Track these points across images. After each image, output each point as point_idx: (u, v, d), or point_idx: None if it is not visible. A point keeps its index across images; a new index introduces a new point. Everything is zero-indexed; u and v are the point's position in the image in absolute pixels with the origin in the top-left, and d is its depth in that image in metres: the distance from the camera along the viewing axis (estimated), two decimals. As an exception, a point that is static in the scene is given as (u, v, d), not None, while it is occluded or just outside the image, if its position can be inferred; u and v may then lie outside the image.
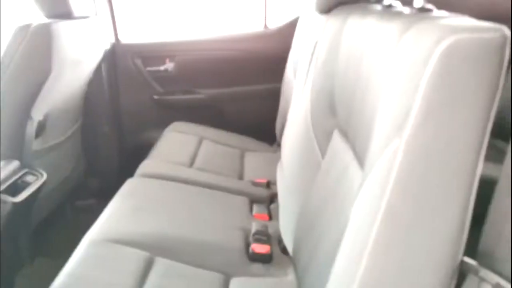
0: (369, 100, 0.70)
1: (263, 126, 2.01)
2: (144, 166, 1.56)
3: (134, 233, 1.14)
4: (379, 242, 0.55)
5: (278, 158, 1.70)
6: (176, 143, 1.77)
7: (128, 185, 1.40)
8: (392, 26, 0.65)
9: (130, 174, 1.52)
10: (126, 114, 2.10)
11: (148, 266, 1.04)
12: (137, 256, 1.05)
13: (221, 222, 1.26)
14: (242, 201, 1.42)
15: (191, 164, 1.63)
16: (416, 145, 0.52)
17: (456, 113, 0.50)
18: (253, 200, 1.45)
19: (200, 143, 1.81)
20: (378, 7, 0.89)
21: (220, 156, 1.74)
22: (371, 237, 0.55)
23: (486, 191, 0.56)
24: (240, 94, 2.13)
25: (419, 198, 0.53)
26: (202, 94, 2.12)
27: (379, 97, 0.63)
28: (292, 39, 1.91)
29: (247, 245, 1.17)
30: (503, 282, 0.54)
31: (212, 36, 2.13)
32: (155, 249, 1.09)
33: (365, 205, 0.59)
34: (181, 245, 1.13)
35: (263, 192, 1.51)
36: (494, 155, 0.59)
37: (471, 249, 0.58)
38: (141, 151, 1.76)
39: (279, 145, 1.92)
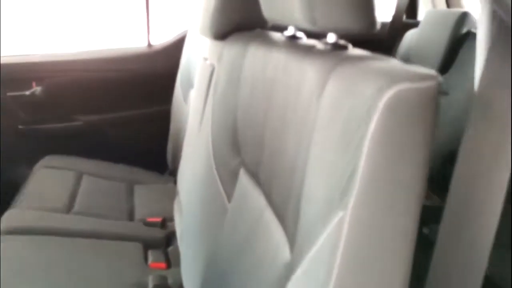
0: (287, 149, 0.62)
1: (152, 153, 1.83)
2: (7, 219, 1.26)
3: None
4: None
5: (172, 189, 1.55)
6: (49, 183, 1.50)
7: (-14, 247, 1.12)
8: (310, 67, 0.59)
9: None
10: None
11: None
12: None
13: (111, 281, 1.07)
14: (134, 248, 1.23)
15: (69, 208, 1.38)
16: (362, 214, 0.46)
17: (402, 170, 0.46)
18: (148, 245, 1.27)
19: (79, 179, 1.57)
20: (279, 36, 0.81)
21: (105, 193, 1.52)
22: None
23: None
24: (123, 119, 1.92)
25: (367, 268, 0.48)
26: (80, 121, 1.86)
27: (302, 151, 0.57)
28: (180, 57, 1.77)
29: (145, 304, 1.01)
30: None
31: (88, 56, 1.89)
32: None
33: (310, 281, 0.52)
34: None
35: (158, 233, 1.33)
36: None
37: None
38: (4, 197, 1.45)
39: (171, 173, 1.77)
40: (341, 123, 0.48)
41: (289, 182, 0.60)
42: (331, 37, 0.60)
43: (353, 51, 0.59)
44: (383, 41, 2.01)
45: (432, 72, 0.46)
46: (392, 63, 0.51)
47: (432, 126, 0.45)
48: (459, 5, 2.02)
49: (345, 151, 0.47)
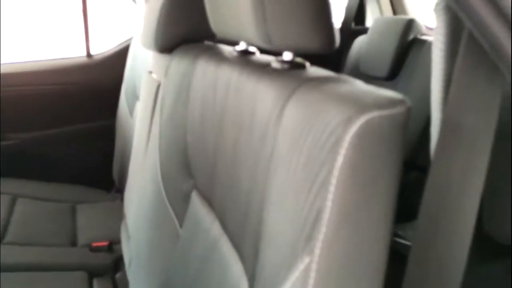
0: (241, 179, 0.57)
1: (97, 171, 1.72)
2: None
3: None
4: None
5: (119, 207, 1.45)
6: (-24, 210, 1.36)
7: None
8: (266, 89, 0.54)
9: None
10: None
11: None
12: None
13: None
14: (78, 278, 1.13)
15: (1, 238, 1.25)
16: (331, 259, 0.42)
17: (372, 207, 0.41)
18: (93, 273, 1.17)
19: (13, 204, 1.42)
20: (230, 51, 0.75)
21: (43, 217, 1.39)
22: None
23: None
24: (63, 136, 1.79)
25: None
26: (14, 139, 1.71)
27: (259, 184, 0.52)
28: (123, 68, 1.67)
29: None
30: None
31: (21, 69, 1.74)
32: None
33: None
34: None
35: (104, 259, 1.23)
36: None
37: None
38: None
39: (118, 191, 1.67)
40: (303, 157, 0.43)
41: (245, 215, 0.55)
42: (287, 55, 0.55)
43: (312, 70, 0.55)
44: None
45: (400, 96, 0.43)
46: (358, 86, 0.46)
47: (401, 152, 0.42)
48: (404, 12, 2.08)
49: (310, 188, 0.42)
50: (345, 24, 2.11)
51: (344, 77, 0.50)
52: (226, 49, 0.78)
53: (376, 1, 2.15)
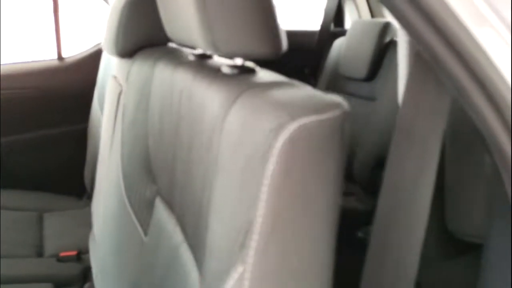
0: (194, 186, 0.57)
1: (69, 177, 1.68)
2: None
3: None
4: None
5: (89, 216, 1.41)
6: None
7: None
8: (213, 95, 0.53)
9: None
10: None
11: None
12: None
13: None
14: (44, 290, 1.09)
15: (-38, 250, 1.20)
16: (264, 268, 0.41)
17: (308, 215, 0.41)
18: (60, 284, 1.13)
19: (-24, 213, 1.37)
20: (189, 54, 0.74)
21: (9, 227, 1.34)
22: None
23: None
24: (34, 141, 1.74)
25: None
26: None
27: (207, 192, 0.52)
28: (97, 71, 1.63)
29: None
30: None
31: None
32: None
33: None
34: None
35: (73, 270, 1.20)
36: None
37: None
38: None
39: (90, 197, 1.62)
40: (241, 163, 0.43)
41: (198, 222, 0.54)
42: (238, 59, 0.55)
43: (261, 75, 0.54)
44: (312, 50, 2.05)
45: (338, 99, 0.42)
46: (301, 92, 0.46)
47: (340, 156, 0.41)
48: (382, 14, 2.10)
49: (245, 195, 0.41)
50: (324, 26, 2.13)
51: (293, 82, 0.49)
52: (186, 52, 0.77)
53: (353, 3, 2.16)
